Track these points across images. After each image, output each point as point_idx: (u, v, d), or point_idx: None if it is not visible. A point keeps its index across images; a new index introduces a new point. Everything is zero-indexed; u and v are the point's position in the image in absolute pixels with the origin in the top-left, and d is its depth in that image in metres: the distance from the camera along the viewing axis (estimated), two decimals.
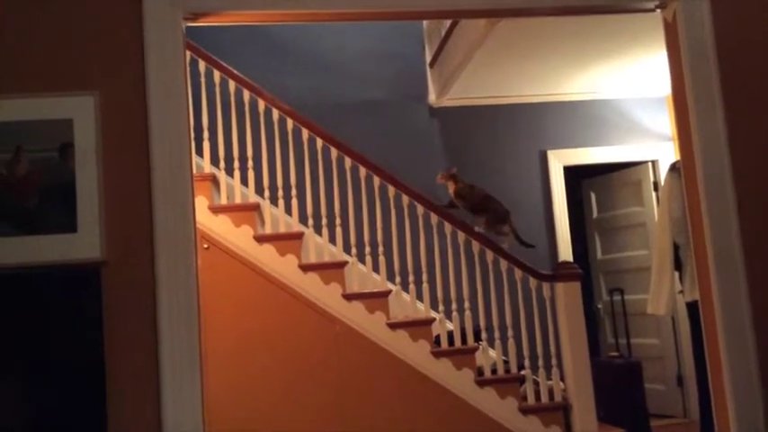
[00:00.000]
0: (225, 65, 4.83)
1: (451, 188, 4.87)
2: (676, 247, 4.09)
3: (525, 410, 4.57)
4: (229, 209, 4.67)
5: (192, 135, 2.20)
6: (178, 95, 2.11)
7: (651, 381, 5.62)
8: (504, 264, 4.76)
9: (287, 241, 4.65)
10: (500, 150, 5.95)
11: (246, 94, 4.81)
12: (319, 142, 4.81)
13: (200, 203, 4.50)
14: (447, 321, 4.77)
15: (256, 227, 4.69)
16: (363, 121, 5.69)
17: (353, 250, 4.74)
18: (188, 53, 2.30)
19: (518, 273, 4.75)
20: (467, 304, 4.70)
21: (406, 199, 4.79)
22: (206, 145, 4.77)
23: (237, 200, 4.75)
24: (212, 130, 4.79)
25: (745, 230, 2.33)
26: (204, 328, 2.13)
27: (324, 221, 4.74)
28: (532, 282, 4.75)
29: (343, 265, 4.68)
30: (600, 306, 6.47)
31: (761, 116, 2.41)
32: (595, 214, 6.59)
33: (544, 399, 4.63)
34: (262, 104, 4.81)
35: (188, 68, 2.24)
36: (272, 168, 4.79)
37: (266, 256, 4.59)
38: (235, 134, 4.77)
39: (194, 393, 2.03)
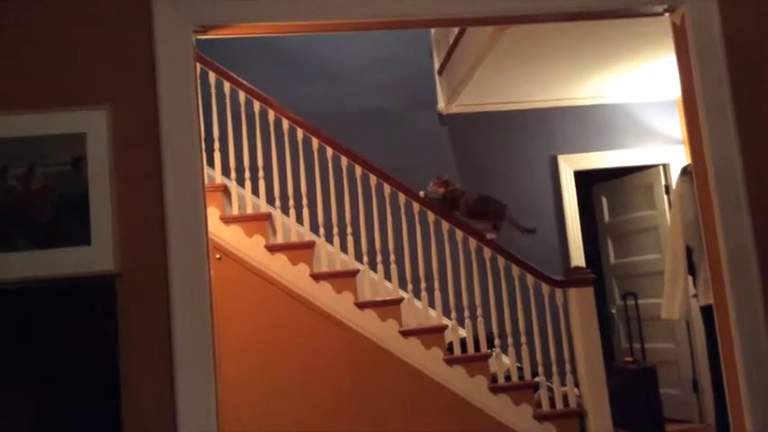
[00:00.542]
0: (235, 76, 4.86)
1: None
2: (689, 251, 4.07)
3: (540, 417, 4.55)
4: (241, 219, 4.69)
5: (203, 146, 2.21)
6: (189, 107, 2.12)
7: (666, 385, 5.58)
8: (516, 270, 4.75)
9: (298, 250, 4.66)
10: (510, 156, 5.95)
11: (257, 105, 4.83)
12: (329, 151, 4.82)
13: (212, 214, 4.52)
14: (459, 328, 4.76)
15: (268, 236, 4.70)
16: (373, 129, 5.71)
17: (365, 258, 4.75)
18: (198, 65, 2.32)
19: (530, 279, 4.74)
20: (479, 311, 4.69)
21: (416, 206, 4.79)
22: (217, 156, 4.79)
23: (249, 210, 4.77)
24: (223, 140, 4.82)
25: (758, 233, 2.32)
26: (217, 338, 2.14)
27: (335, 230, 4.75)
28: (545, 287, 4.73)
29: (354, 273, 4.69)
30: (613, 311, 6.43)
31: None
32: (607, 218, 6.57)
33: (559, 405, 4.61)
34: (272, 114, 4.83)
35: (198, 80, 2.25)
36: (283, 178, 4.81)
37: (278, 266, 4.60)
38: (245, 144, 4.79)
39: (209, 404, 2.04)
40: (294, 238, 4.76)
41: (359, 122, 5.69)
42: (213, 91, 4.81)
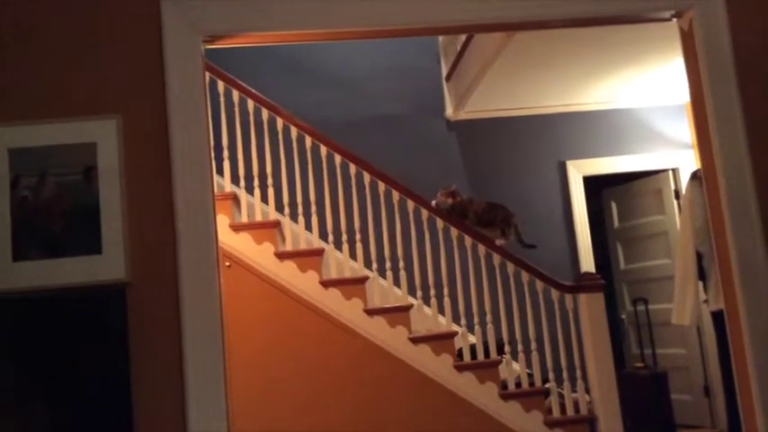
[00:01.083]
0: (243, 84, 4.89)
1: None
2: (699, 256, 4.06)
3: (551, 424, 4.53)
4: (250, 227, 4.71)
5: (213, 154, 2.22)
6: (198, 116, 2.14)
7: (678, 391, 5.55)
8: (525, 276, 4.74)
9: (307, 258, 4.67)
10: (519, 162, 5.95)
11: (265, 113, 4.85)
12: (338, 158, 4.83)
13: (222, 222, 4.54)
14: (469, 335, 4.75)
15: (277, 244, 4.72)
16: (381, 136, 5.72)
17: (374, 265, 4.75)
18: (207, 74, 2.33)
19: (540, 284, 4.73)
20: (489, 317, 4.68)
21: (425, 213, 4.80)
22: (226, 164, 4.82)
23: (258, 217, 4.79)
24: (232, 148, 4.84)
25: None
26: (227, 346, 2.15)
27: (344, 237, 4.75)
28: (555, 293, 4.72)
29: (363, 280, 4.69)
30: (624, 316, 6.41)
31: None
32: (616, 224, 6.55)
33: (570, 411, 4.59)
34: (280, 122, 4.85)
35: (207, 89, 2.27)
36: (292, 185, 4.82)
37: (287, 273, 4.61)
38: (254, 152, 4.82)
39: (220, 411, 2.04)
40: (303, 246, 4.77)
41: (367, 129, 5.70)
42: (222, 99, 4.84)
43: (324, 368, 4.50)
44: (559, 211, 5.95)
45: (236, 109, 4.87)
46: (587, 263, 5.85)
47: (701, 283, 4.15)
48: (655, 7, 2.41)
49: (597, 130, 6.04)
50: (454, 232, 4.79)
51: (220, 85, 4.84)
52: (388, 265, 4.73)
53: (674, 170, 5.99)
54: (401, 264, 4.72)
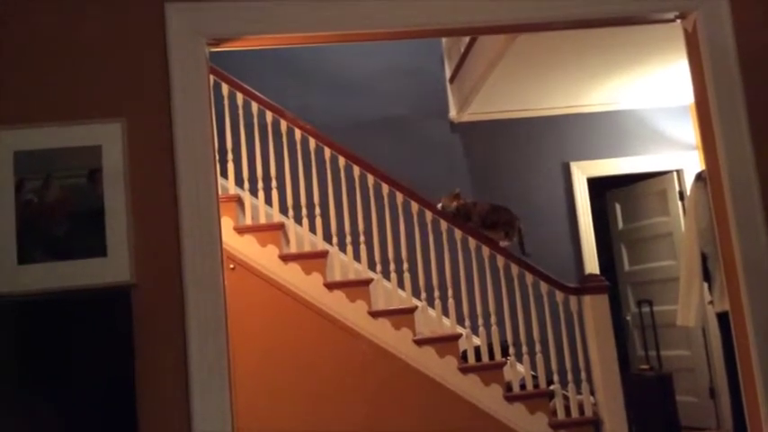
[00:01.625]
0: (247, 87, 4.89)
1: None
2: (704, 258, 4.05)
3: (555, 426, 4.53)
4: (254, 229, 4.71)
5: (217, 157, 2.23)
6: (203, 119, 2.14)
7: (683, 393, 5.53)
8: (530, 277, 4.74)
9: (312, 260, 4.67)
10: (523, 164, 5.94)
11: (269, 115, 4.86)
12: (342, 160, 4.84)
13: (226, 224, 4.54)
14: (474, 337, 4.75)
15: (281, 246, 4.72)
16: (385, 138, 5.72)
17: (378, 267, 4.75)
18: (211, 77, 2.34)
19: (544, 286, 4.73)
20: (493, 319, 4.68)
21: (429, 215, 4.79)
22: (230, 166, 4.82)
23: (262, 220, 4.79)
24: (236, 151, 4.85)
25: None
26: (232, 348, 2.15)
27: (348, 239, 4.76)
28: (559, 295, 4.72)
29: (368, 282, 4.69)
30: (628, 318, 6.40)
31: None
32: (621, 225, 6.54)
33: (574, 414, 4.59)
34: (284, 124, 4.86)
35: (212, 91, 2.27)
36: (296, 188, 4.83)
37: (292, 275, 4.61)
38: (258, 155, 4.82)
39: (224, 412, 2.04)
40: (307, 248, 4.77)
41: (371, 131, 5.71)
42: (226, 102, 4.84)
43: (328, 370, 4.50)
44: (563, 213, 5.94)
45: (241, 111, 4.87)
46: (591, 264, 5.84)
47: (705, 285, 4.14)
48: (659, 8, 2.41)
49: (601, 132, 6.04)
50: (458, 234, 4.79)
51: (224, 88, 4.84)
52: (392, 267, 4.73)
53: (678, 171, 5.98)
54: (405, 266, 4.72)
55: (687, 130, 5.96)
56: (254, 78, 5.09)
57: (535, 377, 4.67)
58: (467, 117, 5.87)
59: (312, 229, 4.81)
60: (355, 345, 4.54)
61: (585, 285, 4.73)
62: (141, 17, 2.15)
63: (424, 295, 4.72)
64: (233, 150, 4.83)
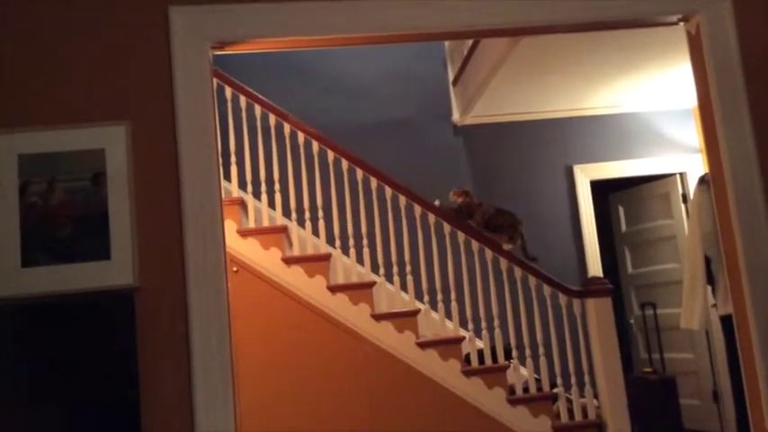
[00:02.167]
0: (251, 90, 4.90)
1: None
2: (708, 261, 4.04)
3: (559, 429, 4.52)
4: (257, 232, 4.72)
5: (220, 160, 2.23)
6: (206, 122, 2.15)
7: (686, 396, 5.53)
8: (533, 280, 4.73)
9: (315, 263, 4.67)
10: (526, 167, 5.94)
11: (272, 118, 4.86)
12: (345, 163, 4.84)
13: (229, 227, 4.55)
14: (477, 339, 4.75)
15: (284, 249, 4.72)
16: (388, 141, 5.73)
17: (381, 270, 4.75)
18: (215, 80, 2.34)
19: (547, 289, 4.72)
20: (496, 322, 4.67)
21: (432, 218, 4.80)
22: (233, 169, 4.83)
23: (265, 223, 4.80)
24: (239, 154, 4.86)
25: None
26: (235, 351, 2.15)
27: (351, 242, 4.76)
28: (562, 298, 4.71)
29: (371, 285, 4.69)
30: (632, 321, 6.39)
31: None
32: (624, 228, 6.54)
33: (578, 417, 4.58)
34: (287, 128, 4.86)
35: (215, 95, 2.28)
36: (299, 191, 4.83)
37: (295, 278, 4.61)
38: (261, 158, 4.83)
39: (228, 414, 2.05)
40: (310, 251, 4.77)
41: (374, 134, 5.71)
42: (230, 105, 4.85)
43: (330, 373, 4.50)
44: (567, 216, 5.94)
45: (244, 114, 4.88)
46: (595, 267, 5.84)
47: (709, 288, 4.13)
48: (662, 11, 2.41)
49: (604, 135, 6.03)
50: (461, 237, 4.78)
51: (228, 91, 4.85)
52: (395, 269, 4.73)
53: (681, 174, 5.98)
54: (408, 268, 4.72)
55: (690, 133, 5.96)
56: (257, 81, 5.10)
57: (538, 380, 4.67)
58: (470, 120, 5.87)
59: (315, 232, 4.82)
60: (358, 347, 4.54)
61: (589, 288, 4.73)
62: (145, 20, 2.16)
63: (426, 298, 4.72)
64: (236, 153, 4.84)
